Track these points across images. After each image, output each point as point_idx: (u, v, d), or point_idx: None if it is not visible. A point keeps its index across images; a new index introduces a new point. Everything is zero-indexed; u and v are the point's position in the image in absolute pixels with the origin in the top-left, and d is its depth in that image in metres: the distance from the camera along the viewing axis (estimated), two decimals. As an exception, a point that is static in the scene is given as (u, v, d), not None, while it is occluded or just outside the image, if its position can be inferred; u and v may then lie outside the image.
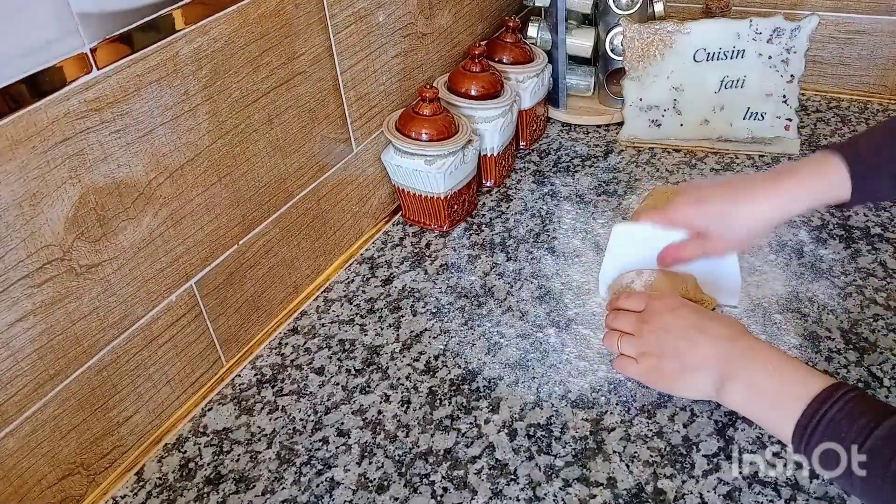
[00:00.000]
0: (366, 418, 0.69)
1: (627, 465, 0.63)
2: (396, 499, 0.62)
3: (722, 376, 0.59)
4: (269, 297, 0.78)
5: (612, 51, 1.07)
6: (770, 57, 0.99)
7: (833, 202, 0.65)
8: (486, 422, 0.68)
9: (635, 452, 0.64)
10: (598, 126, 1.11)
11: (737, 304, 0.77)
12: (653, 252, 0.74)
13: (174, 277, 0.66)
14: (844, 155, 0.64)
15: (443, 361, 0.74)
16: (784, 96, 1.01)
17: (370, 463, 0.65)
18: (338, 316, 0.81)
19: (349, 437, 0.67)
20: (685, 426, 0.66)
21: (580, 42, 1.10)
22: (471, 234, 0.91)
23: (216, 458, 0.67)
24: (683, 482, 0.62)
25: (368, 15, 0.82)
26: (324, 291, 0.84)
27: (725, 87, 1.02)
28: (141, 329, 0.64)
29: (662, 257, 0.73)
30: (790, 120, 1.01)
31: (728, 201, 0.68)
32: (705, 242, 0.70)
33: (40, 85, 0.51)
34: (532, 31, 1.10)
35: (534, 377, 0.72)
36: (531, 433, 0.66)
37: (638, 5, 1.04)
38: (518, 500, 0.61)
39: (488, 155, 0.96)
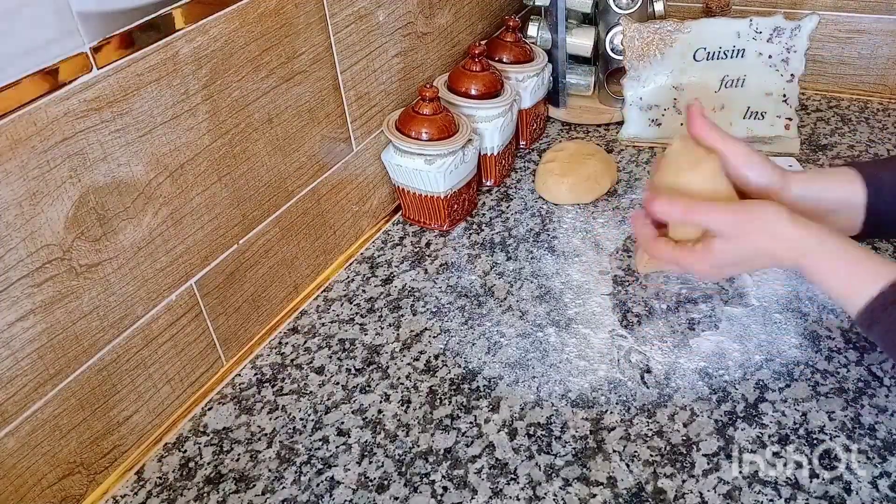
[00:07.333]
0: (366, 418, 0.69)
1: (627, 465, 0.63)
2: (396, 498, 0.62)
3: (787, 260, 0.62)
4: (269, 296, 0.78)
5: (612, 50, 1.07)
6: (770, 56, 0.99)
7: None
8: (487, 421, 0.68)
9: (635, 452, 0.64)
10: (598, 125, 1.11)
11: None
12: None
13: (174, 277, 0.66)
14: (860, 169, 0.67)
15: (443, 361, 0.74)
16: (784, 95, 1.01)
17: (370, 462, 0.65)
18: (338, 315, 0.81)
19: (349, 437, 0.67)
20: (685, 426, 0.66)
21: (580, 41, 1.10)
22: (471, 234, 0.91)
23: (216, 457, 0.67)
24: (683, 482, 0.62)
25: (368, 14, 0.82)
26: (324, 291, 0.84)
27: (725, 87, 1.02)
28: (141, 328, 0.64)
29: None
30: (790, 119, 1.01)
31: None
32: None
33: (40, 84, 0.51)
34: (532, 30, 1.10)
35: (534, 376, 0.72)
36: (531, 432, 0.66)
37: (638, 4, 1.04)
38: (518, 500, 0.61)
39: (488, 154, 0.96)
